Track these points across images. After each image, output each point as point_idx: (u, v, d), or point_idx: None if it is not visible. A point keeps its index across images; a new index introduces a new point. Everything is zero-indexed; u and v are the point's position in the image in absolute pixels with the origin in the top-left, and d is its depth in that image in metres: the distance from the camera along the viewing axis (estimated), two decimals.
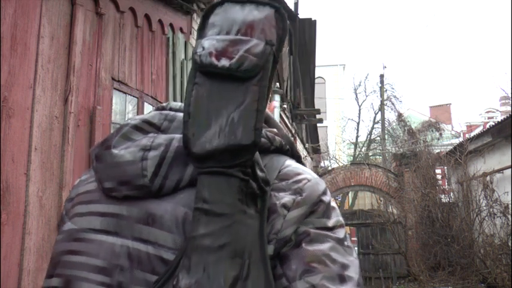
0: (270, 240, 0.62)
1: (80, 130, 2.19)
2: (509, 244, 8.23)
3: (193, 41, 3.73)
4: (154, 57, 3.06)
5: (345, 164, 19.40)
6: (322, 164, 19.29)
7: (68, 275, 0.67)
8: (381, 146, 22.92)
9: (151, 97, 2.97)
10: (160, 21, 3.16)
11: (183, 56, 3.39)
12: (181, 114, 0.69)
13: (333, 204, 0.69)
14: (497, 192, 8.81)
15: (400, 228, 12.45)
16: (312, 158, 14.06)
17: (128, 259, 0.63)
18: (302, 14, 10.44)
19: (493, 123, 10.43)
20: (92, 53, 2.34)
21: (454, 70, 73.74)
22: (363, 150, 24.51)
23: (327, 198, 0.67)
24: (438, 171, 12.88)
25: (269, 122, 0.74)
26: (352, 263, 0.64)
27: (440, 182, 12.68)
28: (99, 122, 2.30)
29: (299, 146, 10.68)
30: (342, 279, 0.61)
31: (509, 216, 8.40)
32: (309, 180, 0.67)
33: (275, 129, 0.72)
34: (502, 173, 8.85)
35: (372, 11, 79.86)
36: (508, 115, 8.64)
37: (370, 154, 24.10)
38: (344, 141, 26.35)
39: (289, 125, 9.03)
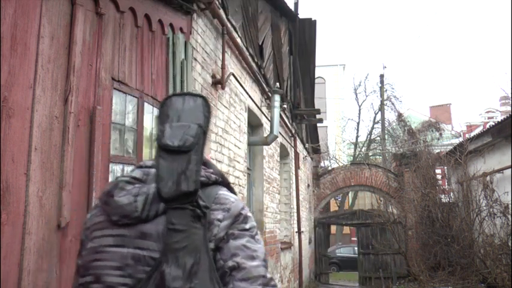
0: (210, 240, 1.07)
1: (80, 130, 2.18)
2: (509, 244, 8.23)
3: (193, 41, 3.73)
4: (154, 57, 3.06)
5: (345, 164, 19.39)
6: (322, 164, 19.28)
7: (97, 273, 1.08)
8: (381, 146, 22.90)
9: (151, 97, 2.97)
10: (160, 21, 3.16)
11: (183, 56, 3.39)
12: (153, 170, 1.13)
13: (249, 214, 1.15)
14: (497, 192, 8.80)
15: (400, 228, 12.44)
16: (312, 158, 14.05)
17: (132, 259, 1.06)
18: (302, 14, 10.42)
19: (493, 123, 10.42)
20: (92, 53, 2.34)
21: (454, 70, 73.60)
22: (363, 150, 24.49)
23: (244, 211, 1.14)
24: (438, 171, 12.87)
25: (207, 164, 1.19)
26: (260, 249, 1.11)
27: (440, 182, 12.67)
28: (99, 122, 2.29)
29: (299, 146, 10.68)
30: (253, 258, 1.08)
31: (509, 216, 8.39)
32: (232, 202, 1.13)
33: (211, 170, 1.18)
34: (502, 173, 8.84)
35: (372, 11, 79.79)
36: (508, 115, 8.63)
37: (370, 154, 24.09)
38: (344, 141, 26.33)
39: (289, 125, 9.02)
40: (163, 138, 1.08)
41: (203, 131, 1.11)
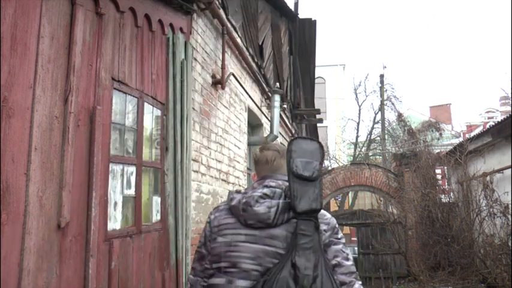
0: (320, 244, 1.53)
1: (80, 130, 2.18)
2: (509, 244, 8.22)
3: (193, 41, 3.73)
4: (154, 57, 3.06)
5: (345, 164, 19.37)
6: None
7: (232, 261, 1.54)
8: (381, 146, 22.89)
9: (151, 97, 2.97)
10: (160, 21, 3.16)
11: (183, 56, 3.39)
12: (277, 190, 1.61)
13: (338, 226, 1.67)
14: (497, 192, 8.79)
15: (400, 228, 12.42)
16: None
17: (262, 253, 1.51)
18: (302, 14, 10.42)
19: (493, 123, 10.41)
20: (92, 53, 2.33)
21: (454, 70, 73.54)
22: (363, 150, 24.48)
23: (337, 225, 1.66)
24: (438, 171, 12.86)
25: None
26: (350, 253, 1.63)
27: (440, 182, 12.65)
28: (99, 122, 2.29)
29: None
30: (348, 259, 1.60)
31: (509, 216, 8.38)
32: (330, 218, 1.66)
33: None
34: (502, 173, 8.83)
35: (372, 10, 79.75)
36: (508, 115, 8.62)
37: (370, 154, 24.07)
38: (344, 141, 26.32)
39: (289, 125, 9.02)
40: (297, 170, 1.54)
41: (322, 166, 1.58)
